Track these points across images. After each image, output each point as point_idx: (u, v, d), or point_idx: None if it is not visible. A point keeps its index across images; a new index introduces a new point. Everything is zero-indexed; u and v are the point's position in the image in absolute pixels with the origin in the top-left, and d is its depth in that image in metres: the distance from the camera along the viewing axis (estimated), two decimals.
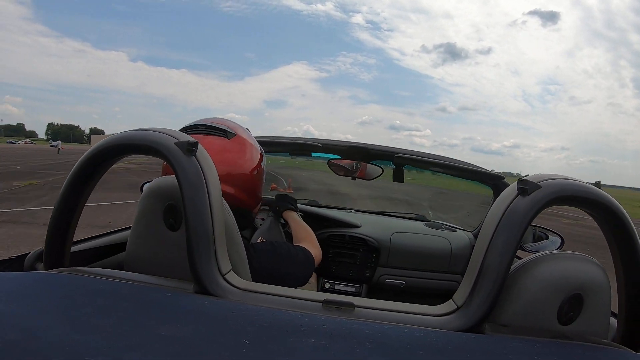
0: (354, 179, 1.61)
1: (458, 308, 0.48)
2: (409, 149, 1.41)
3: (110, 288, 0.46)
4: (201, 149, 0.54)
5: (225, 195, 0.69)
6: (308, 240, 1.05)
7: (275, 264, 0.79)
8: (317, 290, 1.59)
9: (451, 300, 0.50)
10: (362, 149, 1.44)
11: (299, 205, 1.65)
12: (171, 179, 0.60)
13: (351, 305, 0.48)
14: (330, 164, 1.57)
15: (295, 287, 0.82)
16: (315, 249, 0.98)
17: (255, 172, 0.83)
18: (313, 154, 1.52)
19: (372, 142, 1.45)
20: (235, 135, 0.80)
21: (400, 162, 1.42)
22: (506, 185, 1.35)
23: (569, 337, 0.47)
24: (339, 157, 1.54)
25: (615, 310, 0.56)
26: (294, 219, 1.21)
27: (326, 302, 0.48)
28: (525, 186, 0.47)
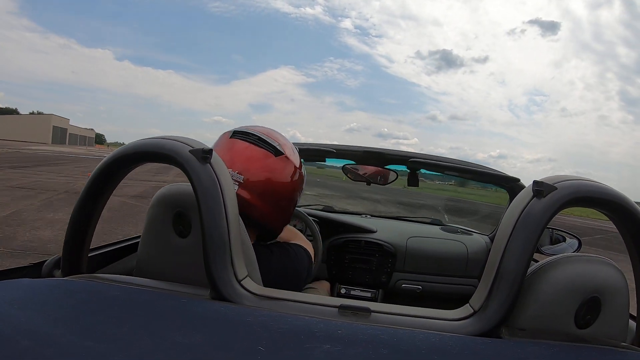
0: (368, 184, 1.62)
1: (475, 312, 0.47)
2: (424, 153, 1.41)
3: (126, 295, 0.46)
4: (216, 156, 0.54)
5: (254, 208, 0.70)
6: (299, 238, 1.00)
7: (287, 262, 0.80)
8: (333, 296, 1.59)
9: (468, 304, 0.50)
10: (376, 154, 1.44)
11: (314, 211, 1.67)
12: (178, 186, 0.61)
13: (367, 311, 0.47)
14: (346, 169, 1.58)
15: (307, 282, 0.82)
16: (307, 245, 0.95)
17: (291, 193, 0.80)
18: (327, 160, 1.53)
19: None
20: (283, 154, 0.77)
21: (415, 167, 1.42)
22: (522, 187, 1.33)
23: (587, 341, 0.46)
24: (353, 162, 1.55)
25: (634, 313, 0.55)
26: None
27: (342, 308, 0.48)
28: (541, 188, 0.47)
